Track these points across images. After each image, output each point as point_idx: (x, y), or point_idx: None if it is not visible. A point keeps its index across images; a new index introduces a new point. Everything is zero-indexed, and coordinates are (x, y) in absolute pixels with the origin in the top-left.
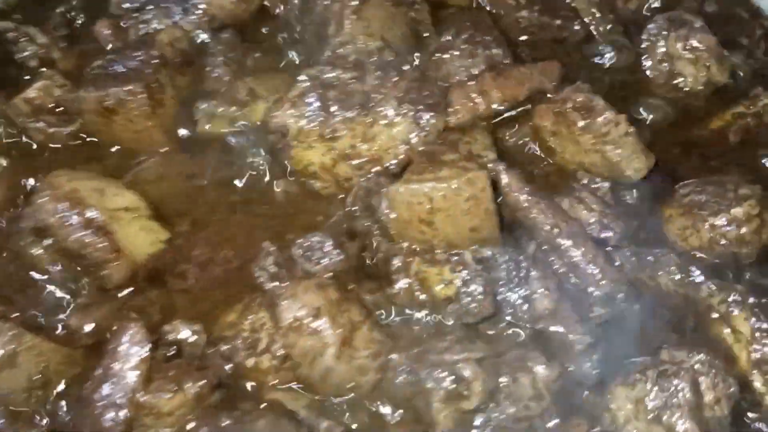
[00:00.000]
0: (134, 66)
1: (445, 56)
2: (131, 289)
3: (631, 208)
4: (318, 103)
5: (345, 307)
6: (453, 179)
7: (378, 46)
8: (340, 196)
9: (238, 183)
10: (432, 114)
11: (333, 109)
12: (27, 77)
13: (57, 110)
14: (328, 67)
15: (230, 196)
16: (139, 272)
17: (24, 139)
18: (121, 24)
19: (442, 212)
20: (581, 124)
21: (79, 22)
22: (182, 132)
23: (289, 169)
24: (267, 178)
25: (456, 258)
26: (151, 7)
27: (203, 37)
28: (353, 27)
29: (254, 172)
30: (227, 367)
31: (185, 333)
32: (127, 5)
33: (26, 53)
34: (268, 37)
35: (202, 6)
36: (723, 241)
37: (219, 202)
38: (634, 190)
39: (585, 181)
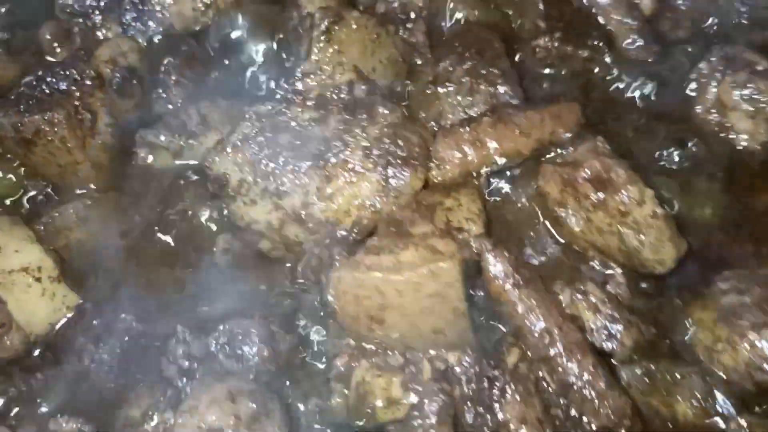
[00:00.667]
0: (64, 88)
1: (440, 91)
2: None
3: (651, 308)
4: (266, 149)
5: (259, 426)
6: (412, 268)
7: (348, 80)
8: (288, 265)
9: (172, 236)
10: (408, 170)
11: (283, 158)
12: None
13: None
14: (282, 105)
15: (162, 251)
16: (34, 347)
17: None
18: (67, 28)
19: (395, 309)
20: (595, 198)
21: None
22: (116, 168)
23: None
24: (209, 232)
25: (412, 367)
26: (100, 11)
27: (150, 53)
28: (322, 53)
29: (196, 223)
30: None
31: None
32: (76, 6)
33: None
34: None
35: (159, 13)
36: (766, 366)
37: (147, 259)
38: (657, 284)
39: (596, 266)
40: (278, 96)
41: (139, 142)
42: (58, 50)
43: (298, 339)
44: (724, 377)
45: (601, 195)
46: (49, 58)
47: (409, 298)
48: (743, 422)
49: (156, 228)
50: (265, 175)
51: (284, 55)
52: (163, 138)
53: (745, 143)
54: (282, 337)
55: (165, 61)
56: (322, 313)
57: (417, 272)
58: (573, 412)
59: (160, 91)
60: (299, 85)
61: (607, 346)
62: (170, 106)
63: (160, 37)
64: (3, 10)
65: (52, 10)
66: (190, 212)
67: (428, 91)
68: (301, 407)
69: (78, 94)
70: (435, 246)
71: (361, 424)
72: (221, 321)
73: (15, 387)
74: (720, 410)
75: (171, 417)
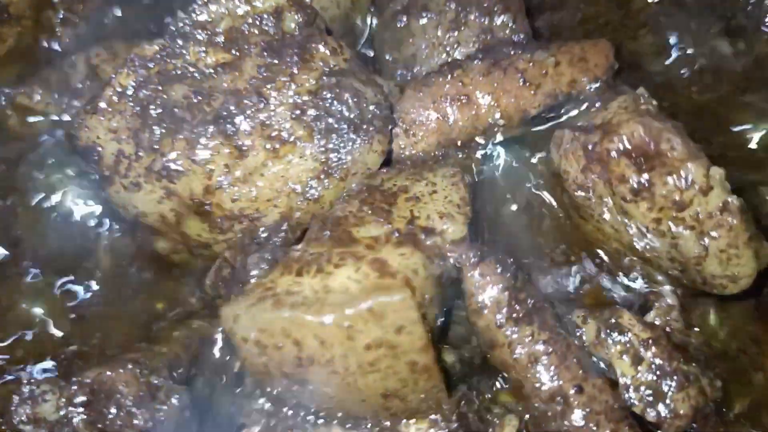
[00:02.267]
0: None
1: (415, 24)
2: None
3: (718, 353)
4: (152, 110)
5: None
6: (344, 308)
7: (275, 6)
8: (190, 275)
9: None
10: (359, 138)
11: (177, 121)
12: None
13: None
14: (177, 43)
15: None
16: None
17: None
18: None
19: (320, 366)
20: (634, 180)
21: None
22: None
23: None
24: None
25: None
26: None
27: None
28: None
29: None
30: None
31: None
32: None
33: None
34: None
35: None
36: None
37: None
38: (725, 313)
39: (635, 285)
40: (171, 30)
41: (4, 100)
42: None
43: (190, 398)
44: None
45: (645, 177)
46: None
47: (338, 350)
48: None
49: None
50: (150, 146)
51: None
52: (35, 97)
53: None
54: (167, 394)
55: None
56: (228, 360)
57: (348, 312)
58: None
59: (43, 32)
60: (202, 15)
61: (652, 414)
62: (54, 53)
63: None
64: None
65: None
66: (60, 197)
67: (398, 25)
68: None
69: None
70: (386, 261)
71: None
72: (84, 366)
73: None
74: None
75: None
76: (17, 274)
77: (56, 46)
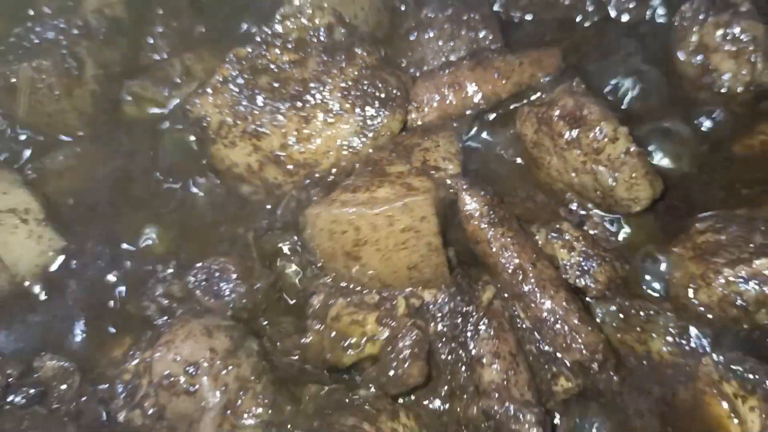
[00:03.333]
0: (51, 37)
1: (422, 36)
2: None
3: (626, 247)
4: (245, 92)
5: (235, 360)
6: (385, 203)
7: (329, 23)
8: (268, 206)
9: (157, 182)
10: (386, 111)
11: (261, 99)
12: None
13: None
14: (261, 48)
15: (145, 197)
16: (21, 289)
17: None
18: None
19: (370, 245)
20: (568, 135)
21: None
22: (102, 116)
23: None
24: (187, 180)
25: (387, 304)
26: None
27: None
28: None
29: (174, 171)
30: (103, 416)
31: (54, 369)
32: None
33: None
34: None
35: None
36: (739, 302)
37: (130, 204)
38: (634, 225)
39: (573, 207)
40: (257, 39)
41: (124, 92)
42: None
43: (276, 277)
44: (699, 313)
45: (574, 132)
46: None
47: (383, 232)
48: (720, 360)
49: (139, 174)
50: (244, 116)
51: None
52: (147, 90)
53: (727, 86)
54: (259, 274)
55: (151, 13)
56: (300, 253)
57: (391, 206)
58: (546, 348)
59: (146, 41)
60: (278, 28)
61: (581, 282)
62: (156, 57)
63: None
64: None
65: None
66: (171, 159)
67: (411, 38)
68: (278, 344)
69: (65, 42)
70: (410, 183)
71: (335, 360)
72: (200, 259)
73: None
74: (694, 346)
75: (150, 356)
76: None
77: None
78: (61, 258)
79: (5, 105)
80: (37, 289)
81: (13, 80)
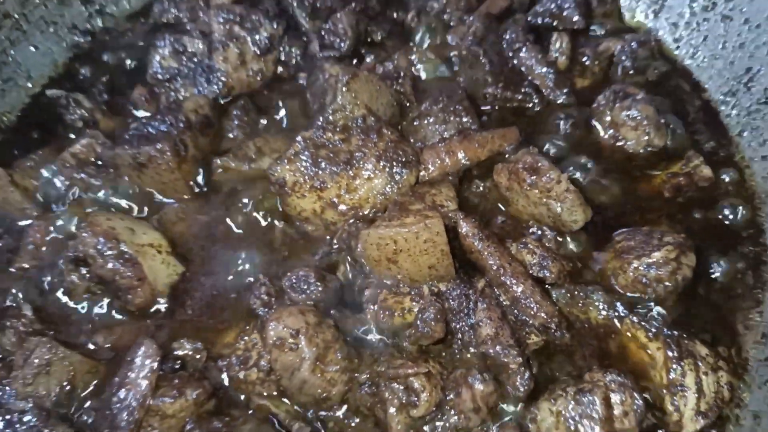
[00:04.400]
0: (164, 129)
1: (423, 122)
2: (149, 311)
3: (572, 253)
4: (310, 160)
5: (321, 330)
6: (413, 225)
7: (362, 114)
8: (327, 237)
9: (242, 226)
10: (406, 170)
11: (323, 165)
12: (73, 135)
13: (97, 163)
14: (320, 131)
15: (235, 236)
16: (156, 298)
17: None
18: (155, 91)
19: (404, 252)
20: (529, 181)
21: (118, 89)
22: (200, 183)
23: (285, 214)
24: (267, 223)
25: (416, 291)
26: (181, 77)
27: (219, 104)
28: (344, 97)
29: (257, 217)
30: (223, 377)
31: (189, 350)
32: (160, 75)
33: (74, 116)
34: (276, 104)
35: (224, 78)
36: (644, 281)
37: (226, 242)
38: (575, 238)
39: (534, 229)
40: (317, 124)
41: (215, 166)
42: (146, 106)
43: (340, 281)
44: (620, 292)
45: (533, 179)
46: (140, 113)
47: (412, 243)
48: (635, 320)
49: (231, 221)
50: (311, 176)
51: (312, 106)
52: (232, 163)
53: (631, 148)
54: (329, 279)
55: (230, 111)
56: (352, 264)
57: (417, 226)
58: (521, 316)
59: (226, 131)
60: (330, 118)
61: (542, 274)
62: (235, 141)
63: (225, 94)
64: (104, 79)
65: (143, 77)
66: (253, 209)
67: (415, 123)
68: (348, 320)
69: (175, 132)
70: (426, 214)
71: (384, 328)
72: (288, 271)
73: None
74: (617, 313)
75: (256, 338)
76: None
77: (236, 138)
78: (180, 278)
79: (133, 178)
80: (162, 300)
81: (141, 159)
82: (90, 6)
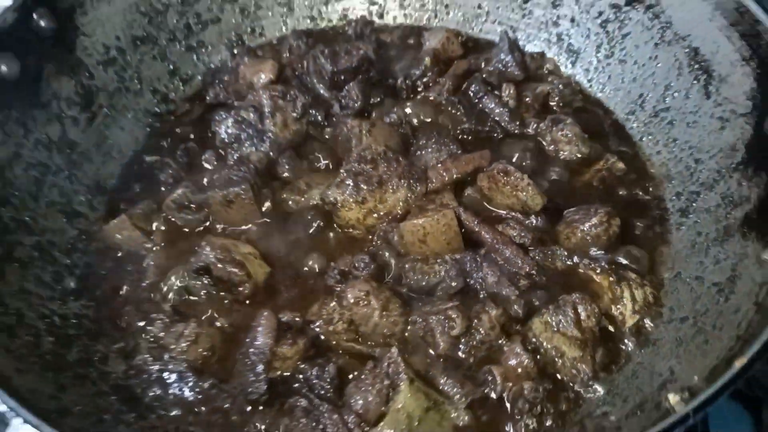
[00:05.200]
0: (241, 175)
1: (424, 152)
2: (254, 300)
3: (538, 227)
4: (353, 184)
5: (381, 290)
6: (434, 215)
7: (383, 150)
8: (369, 237)
9: (305, 237)
10: (419, 183)
11: (361, 186)
12: (163, 189)
13: (190, 207)
14: (356, 163)
15: (301, 244)
16: (258, 290)
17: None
18: (220, 153)
19: (430, 235)
20: (502, 181)
21: (192, 152)
22: (271, 212)
23: (337, 224)
24: (323, 232)
25: (441, 260)
26: (242, 140)
27: (273, 155)
28: (368, 140)
29: (316, 228)
30: (318, 331)
31: (290, 317)
32: (226, 139)
33: (165, 174)
34: (313, 152)
35: (273, 137)
36: (588, 238)
37: (296, 248)
38: (539, 217)
39: (511, 214)
40: (353, 160)
41: (278, 198)
42: (215, 164)
43: (385, 261)
44: (572, 248)
45: (505, 179)
46: (211, 168)
47: (435, 228)
48: (587, 262)
49: (296, 234)
50: (355, 195)
51: (339, 150)
52: (291, 196)
53: (567, 156)
54: (379, 260)
55: (280, 160)
56: (389, 249)
57: (437, 215)
58: (512, 269)
59: (281, 173)
60: (361, 155)
61: (522, 241)
62: (289, 180)
63: (275, 148)
64: (182, 146)
65: (212, 142)
66: (311, 224)
67: (418, 153)
68: (397, 285)
69: (250, 177)
70: (440, 210)
71: (423, 285)
72: (347, 260)
73: None
74: (575, 261)
75: (335, 305)
76: None
77: (290, 177)
78: (269, 275)
79: (222, 213)
80: (261, 291)
81: (230, 197)
82: (156, 95)
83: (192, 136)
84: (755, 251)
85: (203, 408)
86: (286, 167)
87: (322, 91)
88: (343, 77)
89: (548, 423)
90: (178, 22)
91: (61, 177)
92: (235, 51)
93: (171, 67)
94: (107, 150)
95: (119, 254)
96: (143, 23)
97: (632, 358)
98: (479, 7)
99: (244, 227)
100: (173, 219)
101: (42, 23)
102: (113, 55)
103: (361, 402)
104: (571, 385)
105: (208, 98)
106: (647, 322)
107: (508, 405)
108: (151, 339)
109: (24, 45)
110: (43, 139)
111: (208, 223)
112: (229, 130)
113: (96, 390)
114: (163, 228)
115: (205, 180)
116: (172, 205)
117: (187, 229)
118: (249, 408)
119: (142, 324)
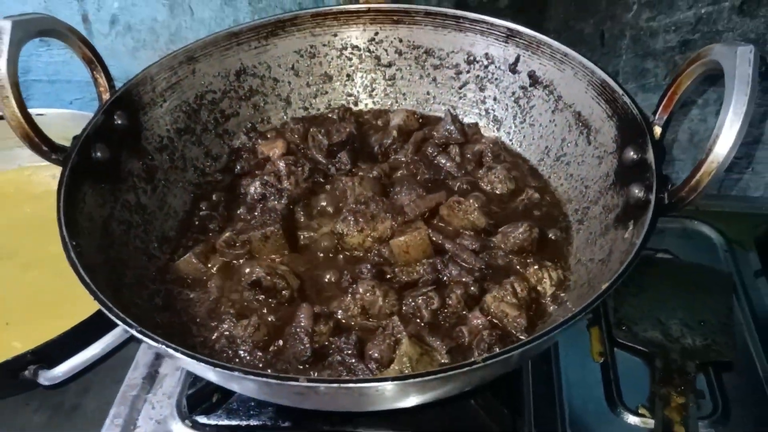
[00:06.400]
0: (272, 218)
1: (399, 195)
2: (292, 301)
3: (484, 238)
4: (353, 220)
5: (381, 285)
6: (414, 233)
7: (371, 194)
8: (368, 254)
9: (320, 259)
10: (399, 216)
11: (360, 221)
12: (211, 234)
13: (236, 245)
14: (353, 205)
15: (318, 264)
16: (294, 295)
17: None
18: (250, 207)
19: (411, 247)
20: (457, 209)
21: (231, 207)
22: (291, 244)
23: (343, 248)
24: (332, 255)
25: (419, 263)
26: (267, 196)
27: (291, 206)
28: (359, 190)
29: (327, 252)
30: (339, 317)
31: (320, 309)
32: (256, 196)
33: (213, 224)
34: (318, 202)
35: (289, 194)
36: (517, 242)
37: (316, 264)
38: (483, 232)
39: (465, 232)
40: (350, 204)
41: (300, 235)
42: (248, 216)
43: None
44: (509, 250)
45: (459, 206)
46: (244, 217)
47: (415, 242)
48: (516, 258)
49: (314, 258)
50: (355, 227)
51: (336, 200)
52: (307, 233)
53: (499, 191)
54: (376, 267)
55: (296, 209)
56: (384, 258)
57: (416, 233)
58: (469, 266)
59: (298, 218)
60: (356, 199)
61: (473, 248)
62: (304, 222)
63: (291, 201)
64: (222, 205)
65: (242, 199)
66: (324, 249)
67: (395, 197)
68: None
69: (279, 219)
70: (416, 229)
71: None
72: (356, 269)
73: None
74: (511, 258)
75: (350, 299)
76: None
77: (301, 219)
78: (300, 285)
79: (259, 247)
80: (296, 294)
81: (267, 234)
82: (197, 171)
83: (223, 198)
84: (621, 235)
85: (269, 371)
86: (302, 213)
87: (321, 159)
88: (335, 148)
89: None
90: (209, 117)
91: (140, 231)
92: (251, 135)
93: (205, 149)
94: (167, 210)
95: (189, 280)
96: (184, 119)
97: (552, 313)
98: (428, 93)
99: (277, 258)
100: (225, 254)
101: (119, 121)
102: (165, 143)
103: (377, 354)
104: (513, 332)
105: (236, 170)
106: (560, 293)
107: (474, 348)
108: (225, 332)
109: (110, 137)
110: (125, 203)
111: (248, 256)
112: (258, 190)
113: None
114: (219, 262)
115: (244, 225)
116: (223, 244)
117: (234, 262)
118: (300, 368)
119: (214, 324)
